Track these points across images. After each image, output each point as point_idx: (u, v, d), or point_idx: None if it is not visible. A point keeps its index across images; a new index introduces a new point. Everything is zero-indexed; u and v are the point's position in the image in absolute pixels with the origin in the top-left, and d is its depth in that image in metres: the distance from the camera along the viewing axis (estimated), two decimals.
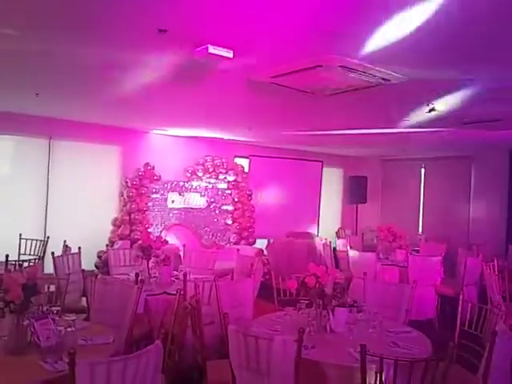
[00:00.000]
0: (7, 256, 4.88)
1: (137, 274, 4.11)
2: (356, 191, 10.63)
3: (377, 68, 3.73)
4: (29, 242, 6.16)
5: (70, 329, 2.68)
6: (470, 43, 3.14)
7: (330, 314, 3.13)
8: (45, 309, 2.84)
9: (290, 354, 2.39)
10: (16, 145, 6.91)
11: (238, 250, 5.91)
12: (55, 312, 2.89)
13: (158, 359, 2.21)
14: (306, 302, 3.32)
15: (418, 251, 7.41)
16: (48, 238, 6.25)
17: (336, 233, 9.48)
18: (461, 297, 3.47)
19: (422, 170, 10.30)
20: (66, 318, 2.77)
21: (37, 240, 6.18)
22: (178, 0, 2.63)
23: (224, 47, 3.29)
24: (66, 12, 2.85)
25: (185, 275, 4.18)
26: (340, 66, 3.68)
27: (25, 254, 6.03)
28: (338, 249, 7.89)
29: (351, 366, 2.50)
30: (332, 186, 11.05)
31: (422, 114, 5.56)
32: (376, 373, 2.26)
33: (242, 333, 2.50)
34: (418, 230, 10.06)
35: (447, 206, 9.57)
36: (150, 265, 4.72)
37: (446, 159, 9.72)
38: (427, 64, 3.67)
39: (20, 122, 6.74)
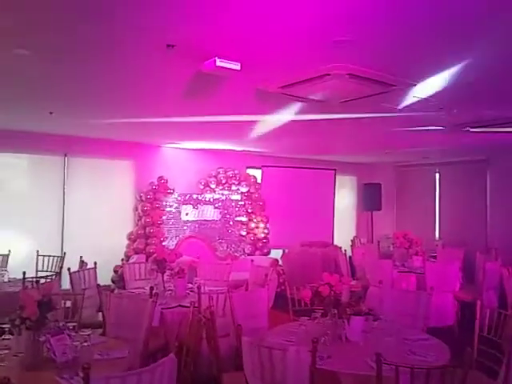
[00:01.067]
0: (24, 273, 4.95)
1: (151, 288, 4.13)
2: (370, 198, 10.54)
3: (384, 74, 3.73)
4: (46, 259, 6.24)
5: (85, 344, 2.69)
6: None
7: (346, 322, 3.10)
8: (61, 324, 2.87)
9: (305, 364, 2.37)
10: (32, 163, 7.06)
11: (251, 260, 5.90)
12: (71, 327, 2.91)
13: (172, 372, 2.21)
14: (321, 311, 3.29)
15: (435, 257, 7.31)
16: (65, 254, 6.32)
17: (351, 241, 9.40)
18: (478, 302, 3.41)
19: (437, 175, 10.19)
20: (82, 333, 2.78)
21: (54, 256, 6.25)
22: (184, 16, 2.69)
23: (231, 60, 3.34)
24: (77, 30, 2.92)
25: (199, 287, 4.18)
26: (348, 74, 3.69)
27: (42, 271, 6.10)
28: (353, 257, 7.82)
29: (368, 375, 2.46)
30: (346, 194, 10.99)
31: (432, 118, 5.54)
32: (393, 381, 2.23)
33: (255, 344, 2.48)
34: (435, 236, 9.92)
35: (464, 210, 9.43)
36: (165, 278, 4.74)
37: (461, 163, 9.61)
38: (433, 68, 3.66)
39: (35, 141, 6.89)
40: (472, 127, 5.94)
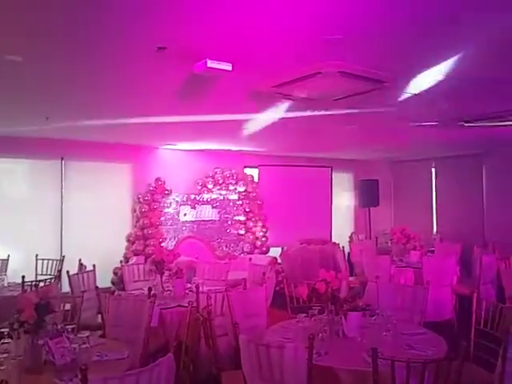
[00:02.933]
0: (23, 277, 4.96)
1: (149, 288, 4.15)
2: (368, 195, 10.56)
3: (375, 71, 3.74)
4: (45, 262, 6.24)
5: (84, 346, 2.71)
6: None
7: (343, 318, 3.12)
8: (59, 327, 2.88)
9: (302, 360, 2.39)
10: (29, 167, 7.07)
11: (250, 259, 5.92)
12: (70, 330, 2.93)
13: (170, 371, 2.23)
14: (319, 308, 3.31)
15: (433, 252, 7.34)
16: (64, 257, 6.33)
17: (349, 237, 9.43)
18: (475, 295, 3.44)
19: (433, 170, 10.22)
20: (81, 336, 2.80)
21: (53, 260, 6.26)
22: (174, 18, 2.70)
23: (222, 60, 3.34)
24: (67, 34, 2.92)
25: (197, 287, 4.20)
26: (339, 72, 3.70)
27: (42, 274, 6.11)
28: (351, 253, 7.84)
29: (364, 370, 2.48)
30: (343, 191, 11.01)
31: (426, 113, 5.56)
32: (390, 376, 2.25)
33: (252, 342, 2.51)
34: (433, 231, 9.95)
35: (460, 204, 9.45)
36: (164, 278, 4.76)
37: (456, 158, 9.62)
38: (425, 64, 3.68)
39: (32, 145, 6.90)
40: (466, 122, 5.96)
